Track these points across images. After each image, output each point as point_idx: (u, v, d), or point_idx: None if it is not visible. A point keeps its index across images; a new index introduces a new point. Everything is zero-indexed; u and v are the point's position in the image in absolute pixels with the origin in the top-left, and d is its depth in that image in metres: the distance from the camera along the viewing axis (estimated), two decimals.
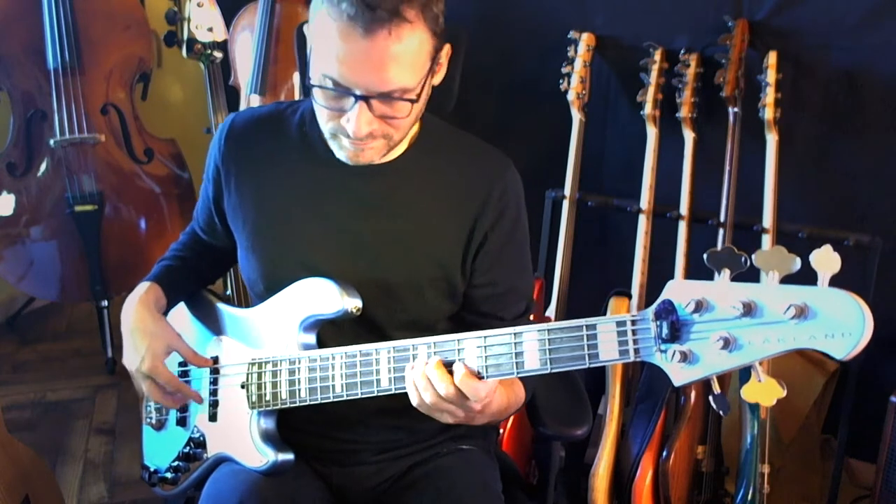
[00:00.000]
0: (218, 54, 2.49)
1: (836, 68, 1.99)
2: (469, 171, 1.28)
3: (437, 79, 1.20)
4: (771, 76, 1.95)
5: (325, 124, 1.17)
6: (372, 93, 1.09)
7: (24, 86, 2.53)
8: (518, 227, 1.29)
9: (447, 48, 1.17)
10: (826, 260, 0.86)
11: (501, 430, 1.93)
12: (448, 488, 1.30)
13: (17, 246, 2.63)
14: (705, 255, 0.93)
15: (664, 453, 1.90)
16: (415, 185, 1.26)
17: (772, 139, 1.96)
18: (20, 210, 2.60)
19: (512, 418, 1.96)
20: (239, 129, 1.32)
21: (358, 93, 1.09)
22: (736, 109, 2.01)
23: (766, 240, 1.97)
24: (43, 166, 2.59)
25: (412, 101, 1.11)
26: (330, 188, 1.27)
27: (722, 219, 2.01)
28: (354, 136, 1.13)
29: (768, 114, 1.95)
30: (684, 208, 2.07)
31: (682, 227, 2.08)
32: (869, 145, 2.03)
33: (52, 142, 2.53)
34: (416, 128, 1.27)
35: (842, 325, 0.83)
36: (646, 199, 2.11)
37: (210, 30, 2.45)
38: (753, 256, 0.90)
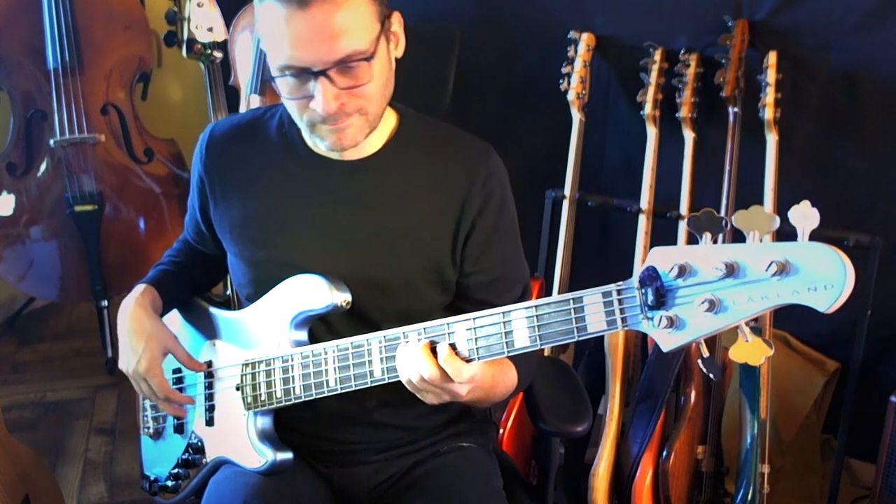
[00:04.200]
0: (218, 54, 2.49)
1: (836, 68, 1.99)
2: (451, 160, 1.28)
3: (399, 51, 1.21)
4: (771, 76, 1.94)
5: (300, 118, 1.17)
6: (327, 64, 1.09)
7: (24, 86, 2.54)
8: (505, 211, 1.29)
9: (397, 16, 1.18)
10: (804, 215, 0.87)
11: (501, 430, 1.93)
12: (449, 486, 1.31)
13: (17, 246, 2.63)
14: (686, 220, 0.94)
15: (664, 453, 1.89)
16: (398, 178, 1.26)
17: (772, 139, 1.96)
18: (20, 210, 2.60)
19: (512, 418, 1.96)
20: (218, 138, 1.33)
21: (315, 69, 1.09)
22: (736, 109, 2.01)
23: (767, 240, 1.97)
24: (43, 166, 2.59)
25: (367, 59, 1.11)
26: (313, 188, 1.27)
27: None
28: (326, 114, 1.13)
29: (768, 114, 1.95)
30: (684, 208, 2.07)
31: (682, 228, 2.08)
32: (869, 145, 2.03)
33: (52, 142, 2.53)
34: (394, 121, 1.28)
35: (824, 278, 0.83)
36: (646, 199, 2.11)
37: (210, 30, 2.45)
38: (733, 217, 0.91)
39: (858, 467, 2.25)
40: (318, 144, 1.22)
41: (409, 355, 1.10)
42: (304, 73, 1.10)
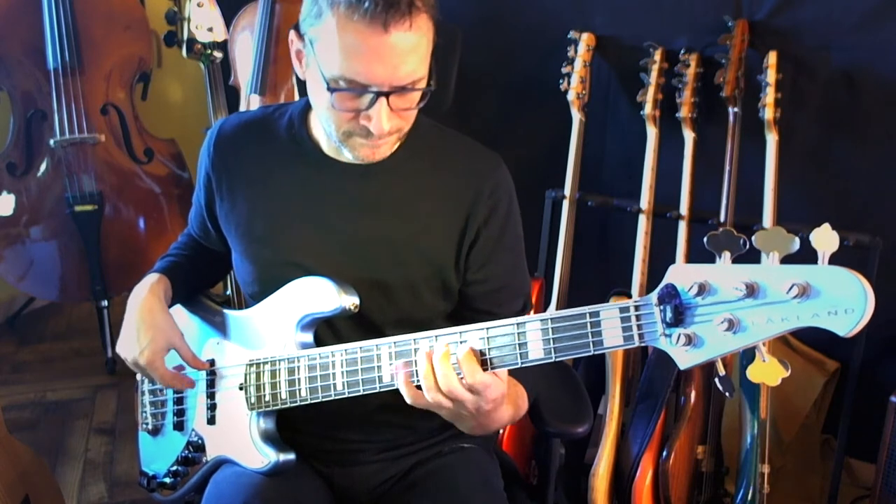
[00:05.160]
0: (218, 54, 2.49)
1: (836, 68, 1.99)
2: (460, 168, 1.28)
3: None
4: (771, 76, 1.95)
5: (341, 126, 1.16)
6: (392, 87, 1.09)
7: (24, 86, 2.54)
8: (510, 223, 1.29)
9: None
10: (825, 238, 0.87)
11: (501, 430, 1.93)
12: (450, 487, 1.30)
13: (17, 246, 2.63)
14: (705, 239, 0.94)
15: (664, 453, 1.90)
16: (406, 184, 1.26)
17: (772, 139, 1.96)
18: (20, 210, 2.60)
19: None
20: (227, 135, 1.33)
21: (378, 89, 1.09)
22: (736, 109, 2.01)
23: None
24: (43, 166, 2.59)
25: (425, 89, 1.12)
26: (321, 189, 1.27)
27: (722, 219, 2.01)
28: (378, 134, 1.13)
29: (768, 114, 1.95)
30: (684, 208, 2.07)
31: (682, 227, 2.08)
32: (869, 145, 2.03)
33: (52, 142, 2.53)
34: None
35: (844, 302, 0.83)
36: (646, 199, 2.11)
37: (210, 30, 2.45)
38: (754, 238, 0.91)
39: (858, 467, 2.25)
40: (343, 153, 1.21)
41: (439, 360, 1.07)
42: (363, 90, 1.09)
